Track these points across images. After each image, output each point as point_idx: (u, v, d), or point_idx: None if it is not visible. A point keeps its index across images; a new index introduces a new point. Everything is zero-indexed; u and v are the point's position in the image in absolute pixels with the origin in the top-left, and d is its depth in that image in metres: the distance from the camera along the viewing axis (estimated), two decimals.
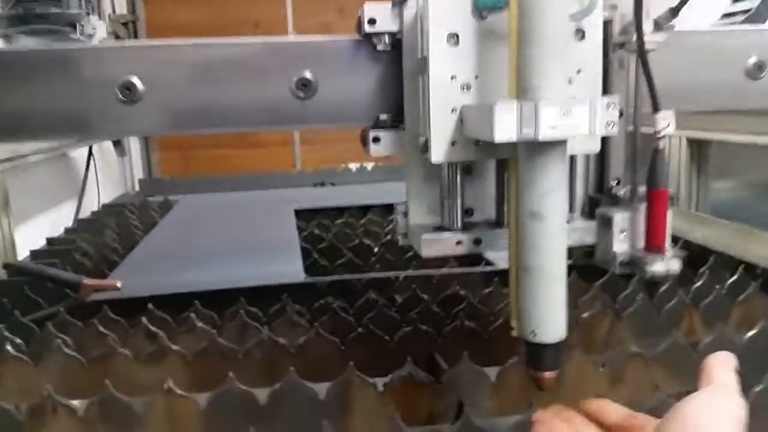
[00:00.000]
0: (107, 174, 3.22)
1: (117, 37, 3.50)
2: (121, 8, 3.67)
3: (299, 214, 1.79)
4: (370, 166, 2.77)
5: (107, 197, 2.88)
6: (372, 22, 0.69)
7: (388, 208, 1.79)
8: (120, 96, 0.70)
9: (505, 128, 0.53)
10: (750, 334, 0.84)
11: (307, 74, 0.71)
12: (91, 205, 2.81)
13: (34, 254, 1.61)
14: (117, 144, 3.11)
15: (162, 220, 1.83)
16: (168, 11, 3.76)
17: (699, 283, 1.07)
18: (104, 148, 3.18)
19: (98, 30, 2.85)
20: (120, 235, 1.74)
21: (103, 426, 0.78)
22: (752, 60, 0.78)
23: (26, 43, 2.46)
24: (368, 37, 0.70)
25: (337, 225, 1.69)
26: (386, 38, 0.69)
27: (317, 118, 0.72)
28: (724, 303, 1.00)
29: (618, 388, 0.78)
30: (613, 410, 0.55)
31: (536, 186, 0.56)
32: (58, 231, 2.01)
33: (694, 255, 1.26)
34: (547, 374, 0.59)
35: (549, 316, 0.56)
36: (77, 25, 2.56)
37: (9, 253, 1.90)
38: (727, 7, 1.04)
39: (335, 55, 0.72)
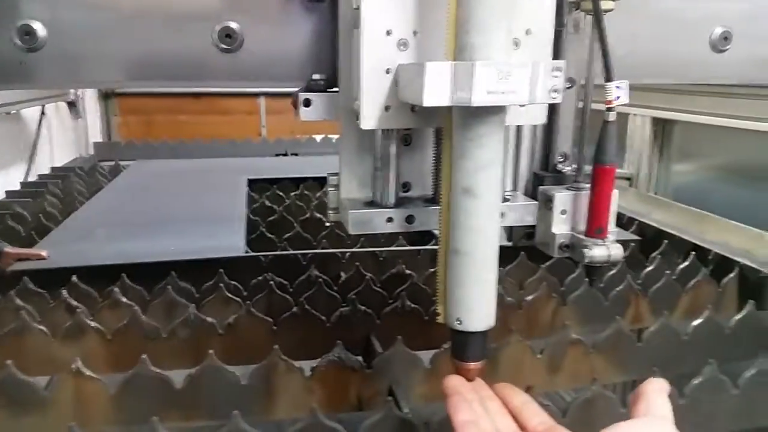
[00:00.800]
0: (65, 137, 3.08)
1: None
2: None
3: (253, 184, 1.71)
4: (335, 137, 2.69)
5: (62, 161, 2.75)
6: None
7: None
8: (18, 42, 0.61)
9: (437, 91, 0.47)
10: (695, 323, 0.81)
11: (232, 24, 0.63)
12: (43, 168, 2.68)
13: None
14: (72, 105, 2.97)
15: (107, 186, 1.73)
16: None
17: (650, 268, 1.04)
18: (60, 108, 3.03)
19: None
20: (62, 201, 1.64)
21: (3, 408, 0.71)
22: (718, 31, 0.73)
23: None
24: None
25: (291, 197, 1.61)
26: None
27: (242, 74, 0.65)
28: (673, 289, 0.97)
29: (556, 377, 0.74)
30: (535, 415, 0.50)
31: (471, 159, 0.50)
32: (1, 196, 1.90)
33: (649, 238, 1.22)
34: (472, 365, 0.53)
35: (477, 302, 0.51)
36: None
37: None
38: None
39: (265, 2, 0.64)
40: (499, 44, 0.48)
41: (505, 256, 0.93)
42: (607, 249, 0.57)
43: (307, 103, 0.64)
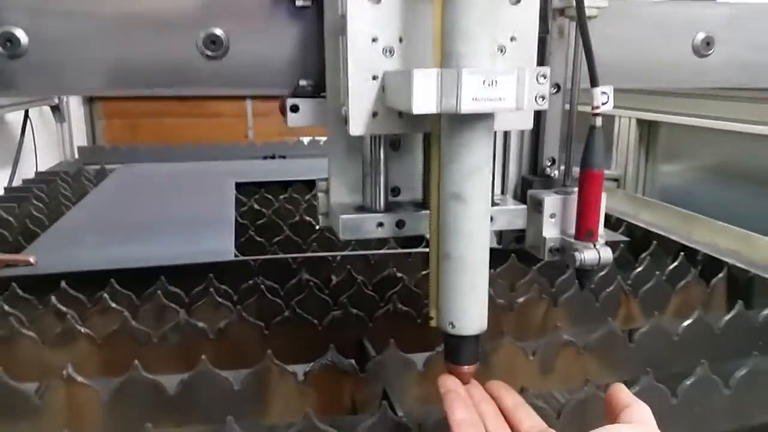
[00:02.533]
0: (49, 141, 3.05)
1: None
2: None
3: (241, 187, 1.71)
4: (323, 140, 2.69)
5: (46, 165, 2.73)
6: None
7: None
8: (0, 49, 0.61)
9: (425, 99, 0.47)
10: (686, 323, 0.82)
11: (217, 30, 0.63)
12: (27, 172, 2.65)
13: None
14: (55, 109, 2.94)
15: (93, 190, 1.72)
16: None
17: (639, 269, 1.05)
18: (45, 112, 3.01)
19: None
20: (47, 206, 1.63)
21: None
22: (700, 36, 0.74)
23: None
24: None
25: (280, 200, 1.61)
26: None
27: (228, 80, 0.65)
28: (663, 290, 0.98)
29: (549, 378, 0.75)
30: (527, 417, 0.51)
31: (459, 164, 0.50)
32: None
33: (637, 239, 1.24)
34: (466, 368, 0.54)
35: (469, 307, 0.52)
36: None
37: None
38: None
39: (250, 9, 0.64)
40: (485, 52, 0.49)
41: (496, 258, 0.94)
42: (597, 252, 0.58)
43: (294, 108, 0.65)
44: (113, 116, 3.65)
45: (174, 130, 3.49)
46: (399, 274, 1.04)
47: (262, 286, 0.98)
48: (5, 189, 2.04)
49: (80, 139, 3.37)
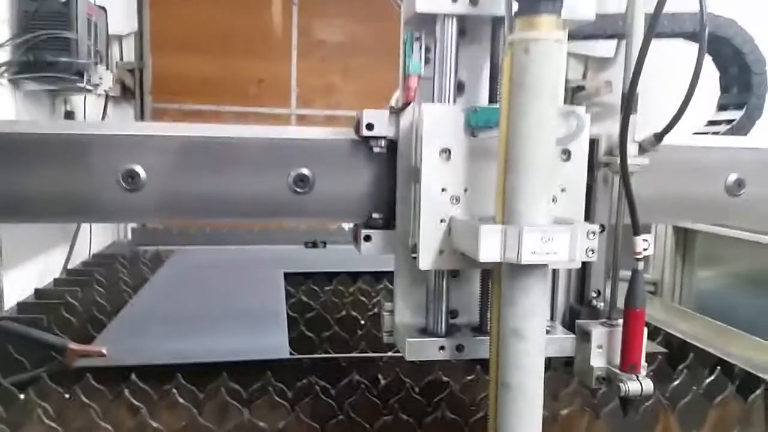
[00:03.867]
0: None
1: (123, 85, 3.58)
2: (129, 55, 3.76)
3: (289, 277, 1.80)
4: None
5: (99, 243, 2.87)
6: (370, 126, 0.72)
7: (377, 276, 1.80)
8: (123, 184, 0.72)
9: (490, 250, 0.56)
10: None
11: (305, 171, 0.74)
12: (81, 251, 2.80)
13: (21, 307, 1.61)
14: None
15: (152, 278, 1.83)
16: (175, 61, 3.86)
17: (677, 382, 1.08)
18: None
19: (104, 80, 2.90)
20: (108, 291, 1.73)
21: None
22: (732, 177, 0.82)
23: (32, 88, 2.52)
24: (366, 139, 0.73)
25: (326, 292, 1.69)
26: (382, 142, 0.73)
27: (312, 212, 0.75)
28: (700, 404, 1.01)
29: None
30: None
31: (517, 306, 0.58)
32: (47, 280, 2.01)
33: (674, 349, 1.27)
34: None
35: None
36: (84, 74, 2.62)
37: None
38: (713, 114, 1.09)
39: (333, 153, 0.75)
40: (542, 210, 0.57)
41: None
42: (640, 384, 0.64)
43: (367, 238, 0.74)
44: None
45: None
46: (445, 378, 1.09)
47: (317, 387, 1.04)
48: (67, 272, 2.17)
49: None
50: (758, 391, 1.06)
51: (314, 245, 2.59)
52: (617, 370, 0.66)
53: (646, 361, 0.66)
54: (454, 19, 0.66)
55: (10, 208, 0.73)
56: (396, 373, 1.10)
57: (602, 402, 1.02)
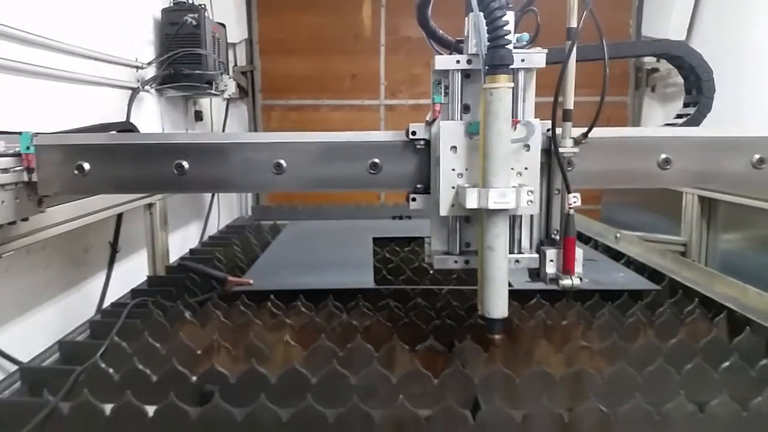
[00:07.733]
0: (229, 202, 3.93)
1: (239, 86, 4.24)
2: (241, 60, 4.42)
3: (376, 241, 2.31)
4: None
5: (226, 219, 3.56)
6: (414, 133, 1.20)
7: None
8: (273, 171, 1.25)
9: (472, 201, 1.03)
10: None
11: (376, 160, 1.24)
12: (211, 226, 3.49)
13: (183, 259, 2.24)
14: None
15: (274, 240, 2.42)
16: (280, 62, 4.47)
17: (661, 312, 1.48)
18: None
19: (229, 86, 3.57)
20: (243, 249, 2.33)
21: (245, 363, 1.31)
22: (756, 156, 1.22)
23: (171, 94, 3.20)
24: (412, 140, 1.22)
25: (405, 251, 2.20)
26: (422, 142, 1.21)
27: (381, 185, 1.24)
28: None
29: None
30: None
31: (490, 232, 1.05)
32: (189, 245, 2.67)
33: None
34: (497, 336, 1.06)
35: (497, 304, 1.05)
36: (213, 83, 3.28)
37: (165, 257, 2.58)
38: (679, 110, 1.45)
39: (393, 149, 1.24)
40: (502, 179, 1.03)
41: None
42: (572, 281, 1.08)
43: (413, 199, 1.22)
44: None
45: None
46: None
47: (391, 304, 1.54)
48: (209, 237, 2.82)
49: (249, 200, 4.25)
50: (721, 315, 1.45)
51: (400, 218, 3.11)
52: (560, 273, 1.11)
53: None
54: (460, 71, 1.12)
55: (212, 185, 1.28)
56: (447, 299, 1.59)
57: (593, 318, 1.45)
